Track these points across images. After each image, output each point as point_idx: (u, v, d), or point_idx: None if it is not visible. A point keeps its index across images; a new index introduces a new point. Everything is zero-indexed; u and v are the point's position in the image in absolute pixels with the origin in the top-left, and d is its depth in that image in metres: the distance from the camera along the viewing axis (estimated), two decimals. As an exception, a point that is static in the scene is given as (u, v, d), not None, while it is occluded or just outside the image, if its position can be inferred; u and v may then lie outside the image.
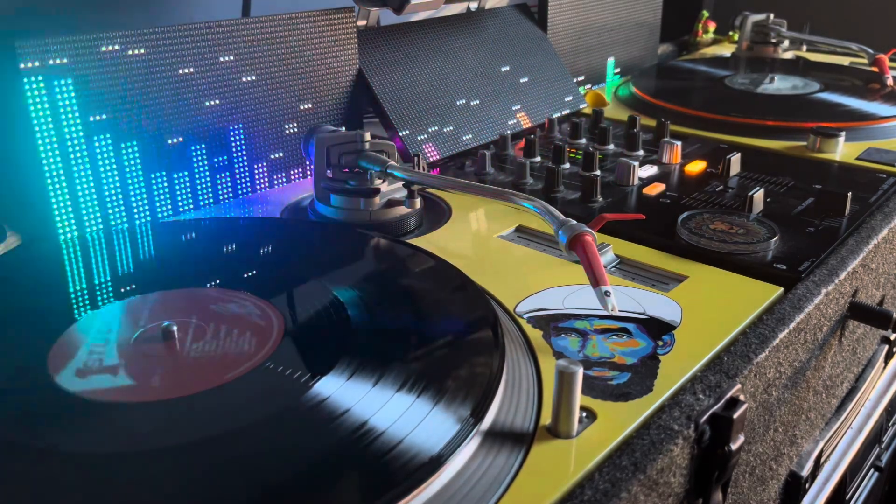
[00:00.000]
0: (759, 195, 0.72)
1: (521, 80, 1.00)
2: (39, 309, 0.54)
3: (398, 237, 0.67)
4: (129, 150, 0.68)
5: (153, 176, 0.70)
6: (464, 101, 0.92)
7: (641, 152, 0.89)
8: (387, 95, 0.85)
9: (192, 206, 0.74)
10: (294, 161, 0.81)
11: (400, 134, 0.84)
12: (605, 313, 0.54)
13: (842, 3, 1.68)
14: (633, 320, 0.54)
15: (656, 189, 0.77)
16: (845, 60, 1.37)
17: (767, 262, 0.62)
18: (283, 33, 0.77)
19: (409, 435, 0.39)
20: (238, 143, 0.76)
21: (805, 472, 0.64)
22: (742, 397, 0.47)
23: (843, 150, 0.90)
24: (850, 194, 0.71)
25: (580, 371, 0.41)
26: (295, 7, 0.80)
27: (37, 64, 0.62)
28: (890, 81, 1.15)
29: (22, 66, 0.61)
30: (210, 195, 0.75)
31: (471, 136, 0.90)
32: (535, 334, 0.51)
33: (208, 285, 0.56)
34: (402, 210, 0.69)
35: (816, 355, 0.60)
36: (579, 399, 0.41)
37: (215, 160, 0.75)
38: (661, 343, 0.51)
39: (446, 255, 0.61)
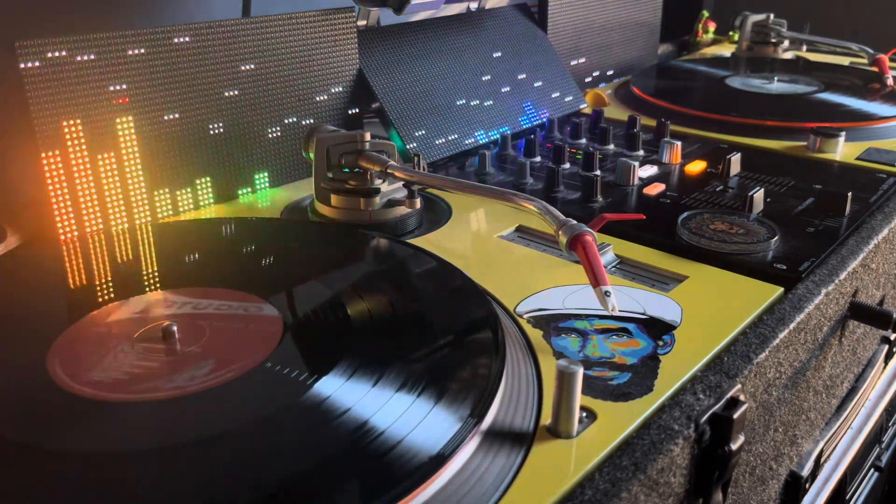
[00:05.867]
0: (759, 195, 0.72)
1: (521, 80, 1.00)
2: (39, 309, 0.54)
3: (398, 237, 0.67)
4: (129, 150, 0.68)
5: (153, 175, 0.70)
6: (464, 101, 0.92)
7: (641, 152, 0.89)
8: (387, 95, 0.85)
9: (191, 207, 0.74)
10: (294, 161, 0.81)
11: (401, 134, 0.84)
12: (605, 313, 0.54)
13: (842, 3, 1.68)
14: (633, 320, 0.54)
15: (656, 189, 0.77)
16: (845, 60, 1.37)
17: (767, 262, 0.62)
18: (283, 33, 0.77)
19: (409, 434, 0.39)
20: (238, 142, 0.76)
21: (805, 472, 0.64)
22: (742, 397, 0.47)
23: (843, 150, 0.90)
24: (850, 194, 0.71)
25: (580, 371, 0.41)
26: (295, 7, 0.80)
27: (37, 63, 0.62)
28: (890, 81, 1.15)
29: (22, 65, 0.61)
30: (210, 195, 0.75)
31: (471, 136, 0.90)
32: (535, 334, 0.51)
33: (209, 285, 0.56)
34: (402, 210, 0.69)
35: (816, 355, 0.60)
36: (579, 399, 0.41)
37: (215, 160, 0.75)
38: (661, 343, 0.51)
39: (446, 255, 0.61)
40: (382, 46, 0.88)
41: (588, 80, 1.19)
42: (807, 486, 0.65)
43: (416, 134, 0.85)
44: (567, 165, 0.84)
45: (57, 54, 0.62)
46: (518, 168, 0.80)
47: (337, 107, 0.84)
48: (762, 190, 0.73)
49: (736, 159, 0.82)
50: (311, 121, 0.82)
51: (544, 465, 0.40)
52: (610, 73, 1.24)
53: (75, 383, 0.44)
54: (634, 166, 0.79)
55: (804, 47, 1.48)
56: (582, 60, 1.17)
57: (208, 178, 0.74)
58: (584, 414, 0.44)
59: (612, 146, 0.91)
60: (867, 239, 0.67)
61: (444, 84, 0.91)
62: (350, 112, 0.85)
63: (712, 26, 1.55)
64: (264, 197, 0.78)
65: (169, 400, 0.43)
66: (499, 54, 0.99)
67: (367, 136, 0.68)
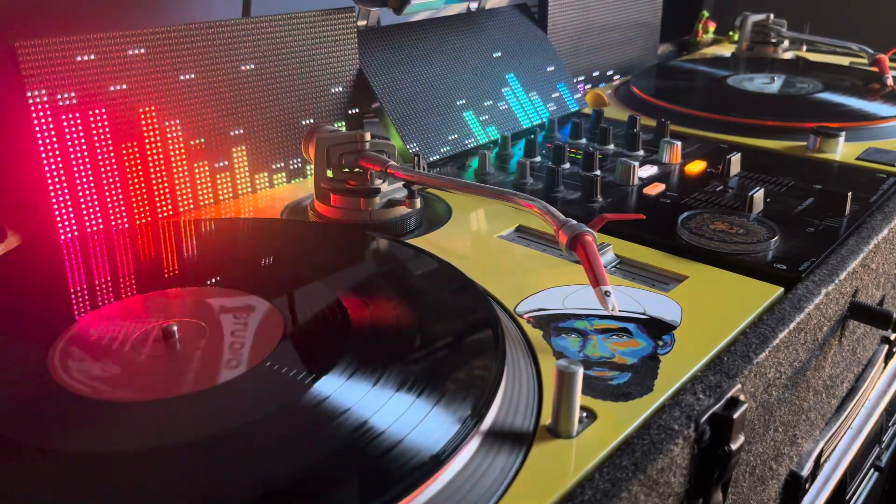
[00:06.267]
0: (759, 195, 0.72)
1: (522, 80, 1.00)
2: (39, 309, 0.54)
3: (398, 237, 0.67)
4: (130, 150, 0.68)
5: (153, 175, 0.70)
6: (464, 102, 0.92)
7: (641, 152, 0.89)
8: (387, 96, 0.85)
9: (192, 206, 0.74)
10: (294, 161, 0.81)
11: (401, 134, 0.84)
12: (605, 313, 0.54)
13: (842, 3, 1.68)
14: (633, 320, 0.54)
15: (656, 189, 0.77)
16: (845, 60, 1.37)
17: (767, 262, 0.62)
18: (283, 33, 0.77)
19: (409, 435, 0.39)
20: (238, 142, 0.76)
21: (805, 472, 0.64)
22: (742, 397, 0.47)
23: (843, 150, 0.90)
24: (850, 194, 0.71)
25: (580, 371, 0.41)
26: (295, 7, 0.80)
27: (37, 63, 0.62)
28: (890, 81, 1.15)
29: (22, 66, 0.61)
30: (210, 195, 0.75)
31: (471, 136, 0.90)
32: (535, 334, 0.51)
33: (209, 285, 0.56)
34: (402, 210, 0.69)
35: (816, 355, 0.60)
36: (579, 399, 0.41)
37: (215, 159, 0.75)
38: (661, 343, 0.51)
39: (446, 255, 0.61)
40: (382, 46, 0.88)
41: (588, 80, 1.19)
42: (807, 486, 0.65)
43: (416, 134, 0.85)
44: (567, 165, 0.84)
45: (57, 54, 0.62)
46: (518, 168, 0.80)
47: (337, 107, 0.84)
48: (762, 190, 0.73)
49: (736, 159, 0.82)
50: (311, 121, 0.82)
51: (544, 465, 0.40)
52: (610, 73, 1.24)
53: (76, 383, 0.44)
54: (634, 166, 0.79)
55: (804, 47, 1.48)
56: (582, 60, 1.17)
57: (208, 178, 0.74)
58: (584, 414, 0.44)
59: (612, 146, 0.91)
60: (867, 239, 0.67)
61: (444, 84, 0.91)
62: (350, 112, 0.85)
63: (712, 26, 1.55)
64: (264, 197, 0.78)
65: (168, 399, 0.43)
66: (499, 54, 0.99)
67: (367, 136, 0.68)
